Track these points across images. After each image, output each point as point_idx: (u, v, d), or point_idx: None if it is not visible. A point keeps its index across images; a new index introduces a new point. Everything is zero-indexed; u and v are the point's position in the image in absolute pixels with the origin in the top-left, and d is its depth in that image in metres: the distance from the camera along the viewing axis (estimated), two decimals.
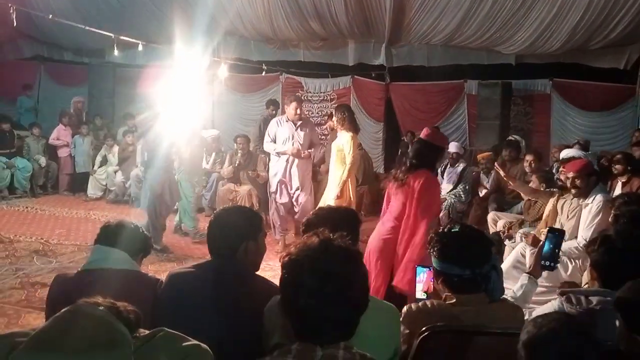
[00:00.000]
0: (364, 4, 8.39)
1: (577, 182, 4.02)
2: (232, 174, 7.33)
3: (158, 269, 5.12)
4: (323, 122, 6.50)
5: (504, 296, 2.12)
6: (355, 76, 10.09)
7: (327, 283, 1.28)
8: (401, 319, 2.00)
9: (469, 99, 9.54)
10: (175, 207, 6.48)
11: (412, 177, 3.51)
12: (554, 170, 5.81)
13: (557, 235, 2.45)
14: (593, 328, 1.68)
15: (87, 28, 7.97)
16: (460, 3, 7.93)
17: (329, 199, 5.25)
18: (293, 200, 5.98)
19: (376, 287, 3.47)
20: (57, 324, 1.11)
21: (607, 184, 5.20)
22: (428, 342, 1.84)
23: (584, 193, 4.04)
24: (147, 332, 1.32)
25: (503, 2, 7.68)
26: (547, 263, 2.42)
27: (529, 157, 5.86)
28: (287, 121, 5.91)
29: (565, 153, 5.25)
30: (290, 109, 5.88)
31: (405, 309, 2.03)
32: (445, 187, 6.62)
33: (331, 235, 1.39)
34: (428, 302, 2.04)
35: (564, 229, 4.11)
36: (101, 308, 1.17)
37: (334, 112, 5.66)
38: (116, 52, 8.36)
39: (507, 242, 4.89)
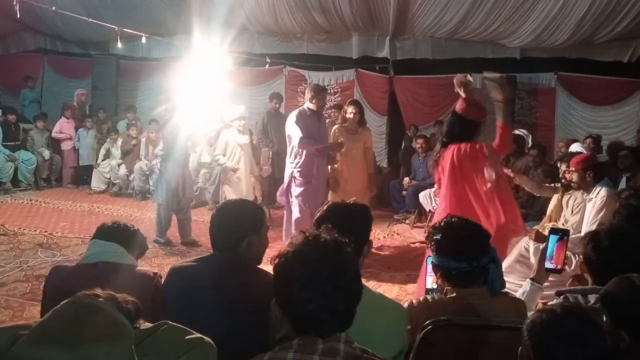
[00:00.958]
0: None
1: (578, 175, 4.00)
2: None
3: (161, 262, 5.15)
4: (326, 115, 6.45)
5: (505, 290, 2.12)
6: (359, 69, 10.03)
7: (317, 273, 1.30)
8: None
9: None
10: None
11: (445, 153, 3.49)
12: (558, 165, 5.78)
13: (559, 236, 2.34)
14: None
15: (91, 20, 7.97)
16: None
17: (362, 197, 4.90)
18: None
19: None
20: (58, 317, 1.10)
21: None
22: (431, 336, 1.85)
23: (585, 186, 4.02)
24: (148, 324, 1.32)
25: None
26: (552, 266, 2.32)
27: (533, 152, 5.83)
28: (317, 117, 5.22)
29: (573, 148, 5.22)
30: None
31: (406, 304, 2.03)
32: None
33: (335, 232, 1.41)
34: (429, 297, 2.05)
35: (569, 224, 4.09)
36: (101, 299, 1.17)
37: (350, 107, 5.48)
38: (119, 45, 8.37)
39: None
